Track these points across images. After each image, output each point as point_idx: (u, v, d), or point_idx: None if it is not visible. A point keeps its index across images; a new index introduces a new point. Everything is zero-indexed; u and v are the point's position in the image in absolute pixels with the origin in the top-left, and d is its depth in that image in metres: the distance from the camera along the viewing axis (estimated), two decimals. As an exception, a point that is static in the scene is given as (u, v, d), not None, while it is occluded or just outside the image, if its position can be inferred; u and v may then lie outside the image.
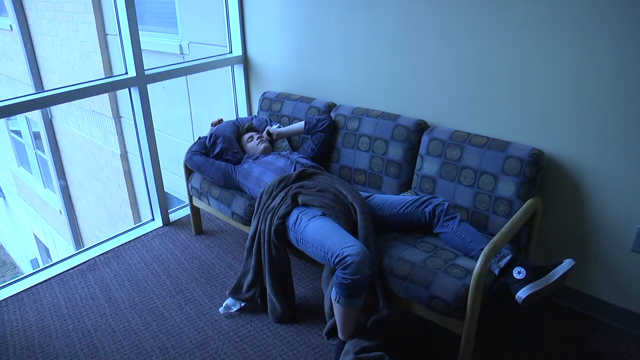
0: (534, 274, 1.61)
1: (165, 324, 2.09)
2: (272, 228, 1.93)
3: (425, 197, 1.92)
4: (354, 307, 1.70)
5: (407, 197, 1.98)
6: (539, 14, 1.85)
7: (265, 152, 2.44)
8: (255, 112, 2.98)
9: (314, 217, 1.86)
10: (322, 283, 1.92)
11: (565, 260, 1.61)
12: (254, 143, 2.48)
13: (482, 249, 1.71)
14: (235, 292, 2.12)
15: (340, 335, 1.79)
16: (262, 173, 2.24)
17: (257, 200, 2.11)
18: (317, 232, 1.79)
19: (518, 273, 1.63)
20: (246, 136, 2.53)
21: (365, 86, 2.51)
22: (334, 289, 1.69)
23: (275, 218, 1.94)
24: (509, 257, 1.67)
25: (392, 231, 1.97)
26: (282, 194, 2.01)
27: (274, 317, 2.05)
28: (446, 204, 1.88)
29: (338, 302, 1.69)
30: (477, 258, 1.73)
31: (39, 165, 7.54)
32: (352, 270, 1.60)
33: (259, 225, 2.02)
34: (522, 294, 1.60)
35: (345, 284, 1.63)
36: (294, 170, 2.20)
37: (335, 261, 1.65)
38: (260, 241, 2.01)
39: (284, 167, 2.24)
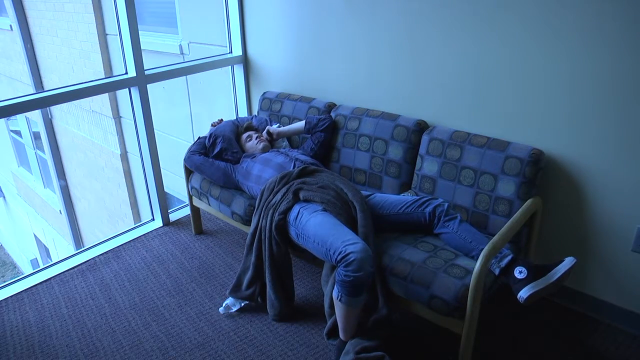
0: (535, 274, 1.61)
1: (165, 324, 2.09)
2: (274, 223, 1.94)
3: (426, 198, 1.92)
4: (356, 305, 1.70)
5: (408, 197, 1.98)
6: (539, 14, 1.85)
7: (264, 152, 2.44)
8: (255, 112, 2.98)
9: (316, 212, 1.86)
10: (321, 281, 1.91)
11: (566, 259, 1.61)
12: (252, 142, 2.48)
13: (483, 249, 1.72)
14: (235, 291, 2.12)
15: (341, 335, 1.79)
16: (261, 170, 2.25)
17: (258, 197, 2.11)
18: (318, 227, 1.79)
19: (519, 273, 1.63)
20: (245, 135, 2.52)
21: (365, 86, 2.51)
22: (335, 287, 1.69)
23: (277, 213, 1.94)
24: (509, 258, 1.67)
25: (392, 231, 1.97)
26: (283, 190, 2.01)
27: (273, 314, 2.05)
28: (446, 205, 1.88)
29: (340, 300, 1.68)
30: (478, 258, 1.74)
31: (39, 165, 7.54)
32: (354, 268, 1.60)
33: (260, 221, 2.02)
34: (523, 293, 1.60)
35: (347, 282, 1.62)
36: (294, 167, 2.20)
37: (338, 258, 1.65)
38: (260, 238, 2.01)
39: (283, 163, 2.24)
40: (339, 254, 1.65)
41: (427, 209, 1.88)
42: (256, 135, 2.51)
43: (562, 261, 1.61)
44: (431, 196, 1.97)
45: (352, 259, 1.61)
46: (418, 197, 1.94)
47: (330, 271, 1.85)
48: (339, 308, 1.72)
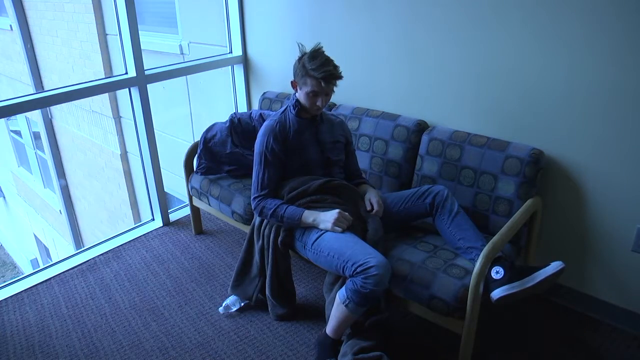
0: (512, 276, 1.59)
1: (165, 324, 2.09)
2: (279, 239, 1.91)
3: (425, 188, 1.90)
4: (358, 313, 1.69)
5: (407, 191, 1.97)
6: (540, 15, 1.84)
7: (312, 113, 1.96)
8: (255, 112, 2.97)
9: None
10: (324, 288, 1.91)
11: (552, 263, 1.59)
12: (312, 102, 1.89)
13: (469, 247, 1.72)
14: (236, 286, 2.12)
15: (331, 333, 1.78)
16: (298, 169, 2.00)
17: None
18: (335, 241, 1.75)
19: (496, 273, 1.62)
20: (311, 88, 1.85)
21: (365, 86, 2.51)
22: (344, 292, 1.67)
23: (282, 229, 1.92)
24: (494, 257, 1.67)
25: (399, 225, 1.98)
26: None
27: (274, 315, 2.06)
28: (445, 193, 1.85)
29: (347, 306, 1.67)
30: (466, 257, 1.75)
31: (39, 165, 7.54)
32: (374, 281, 1.59)
33: (264, 228, 2.00)
34: (495, 294, 1.60)
35: (363, 293, 1.61)
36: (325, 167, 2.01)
37: (358, 270, 1.62)
38: (263, 237, 2.00)
39: (318, 172, 2.00)
40: (359, 266, 1.62)
41: (427, 200, 1.87)
42: (321, 100, 1.88)
43: (546, 265, 1.59)
44: (430, 185, 1.93)
45: (373, 272, 1.59)
46: (417, 189, 1.93)
47: (334, 279, 1.85)
48: (341, 311, 1.71)
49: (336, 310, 1.73)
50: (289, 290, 2.07)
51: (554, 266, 1.57)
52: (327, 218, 1.81)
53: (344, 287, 1.69)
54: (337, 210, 1.81)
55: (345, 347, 1.75)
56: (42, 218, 7.98)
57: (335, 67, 1.85)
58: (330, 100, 2.60)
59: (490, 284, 1.62)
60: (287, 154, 1.96)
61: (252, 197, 1.96)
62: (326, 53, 1.89)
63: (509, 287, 1.58)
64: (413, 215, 1.95)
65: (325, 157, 2.01)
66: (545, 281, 1.56)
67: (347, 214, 1.82)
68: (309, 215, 1.84)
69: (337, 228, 1.78)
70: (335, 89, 1.90)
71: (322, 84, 1.82)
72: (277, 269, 1.99)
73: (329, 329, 1.78)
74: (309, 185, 1.93)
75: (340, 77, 1.85)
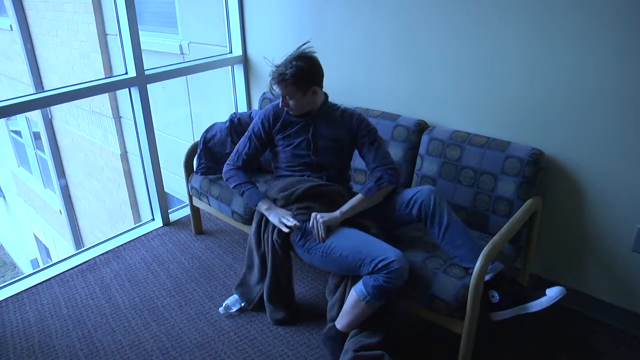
0: (508, 301, 1.63)
1: (165, 324, 2.09)
2: (277, 242, 1.90)
3: (410, 195, 1.81)
4: (377, 307, 1.70)
5: (398, 196, 1.89)
6: (541, 14, 1.85)
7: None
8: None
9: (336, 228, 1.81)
10: (326, 290, 1.91)
11: (551, 292, 1.59)
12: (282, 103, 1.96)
13: (465, 268, 1.70)
14: (240, 286, 2.12)
15: (343, 327, 1.77)
16: (284, 168, 2.04)
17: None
18: (347, 241, 1.74)
19: (492, 297, 1.65)
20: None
21: (365, 86, 2.51)
22: (362, 289, 1.67)
23: (279, 236, 1.89)
24: (490, 275, 1.66)
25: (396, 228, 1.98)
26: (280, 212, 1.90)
27: (273, 320, 2.05)
28: (431, 202, 1.75)
29: (367, 302, 1.67)
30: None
31: (39, 165, 7.55)
32: (396, 275, 1.60)
33: (263, 230, 1.99)
34: (495, 317, 1.65)
35: (386, 287, 1.62)
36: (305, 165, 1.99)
37: (379, 266, 1.62)
38: (264, 246, 1.99)
39: (303, 172, 1.99)
40: (380, 262, 1.62)
41: (414, 211, 1.81)
42: (282, 101, 1.93)
43: (543, 295, 1.60)
44: (416, 190, 1.83)
45: (395, 266, 1.60)
46: (405, 195, 1.84)
47: (338, 281, 1.85)
48: (359, 308, 1.70)
49: (353, 307, 1.72)
50: (289, 295, 2.06)
51: (551, 297, 1.58)
52: (274, 219, 1.87)
53: (361, 284, 1.68)
54: (288, 214, 1.86)
55: (348, 344, 1.75)
56: (42, 218, 7.99)
57: (286, 68, 1.81)
58: (330, 100, 2.61)
59: (488, 304, 1.66)
60: (273, 140, 2.03)
61: (226, 163, 2.07)
62: (314, 53, 1.89)
63: (508, 312, 1.63)
64: (403, 223, 1.92)
65: (309, 157, 1.97)
66: (541, 311, 1.59)
67: (292, 225, 1.82)
68: (265, 204, 1.93)
69: (282, 227, 1.84)
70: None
71: (275, 84, 1.87)
72: (277, 275, 1.98)
73: (341, 324, 1.78)
74: (295, 188, 1.92)
75: (280, 80, 1.83)
